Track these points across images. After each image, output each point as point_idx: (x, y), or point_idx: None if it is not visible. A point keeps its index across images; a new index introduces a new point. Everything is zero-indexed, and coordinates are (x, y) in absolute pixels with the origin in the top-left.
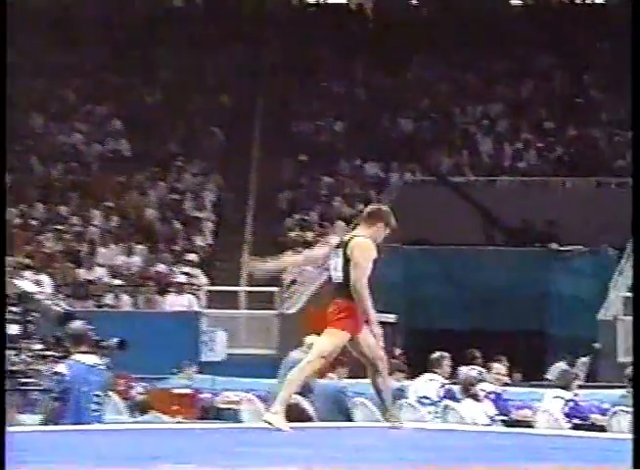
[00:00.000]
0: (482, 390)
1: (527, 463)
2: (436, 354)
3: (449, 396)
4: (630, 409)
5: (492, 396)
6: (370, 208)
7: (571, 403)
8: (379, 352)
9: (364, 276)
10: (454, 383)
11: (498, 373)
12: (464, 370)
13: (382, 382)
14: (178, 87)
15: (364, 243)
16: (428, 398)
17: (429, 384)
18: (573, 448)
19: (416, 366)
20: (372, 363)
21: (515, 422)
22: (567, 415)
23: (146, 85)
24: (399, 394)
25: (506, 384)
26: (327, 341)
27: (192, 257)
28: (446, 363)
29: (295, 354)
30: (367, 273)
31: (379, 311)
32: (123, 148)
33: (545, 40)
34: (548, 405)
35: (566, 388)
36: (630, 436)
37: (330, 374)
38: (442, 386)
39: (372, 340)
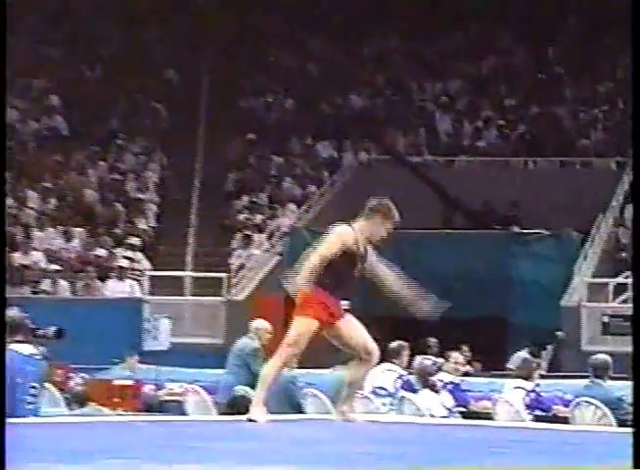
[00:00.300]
0: (440, 380)
1: (486, 457)
2: (395, 344)
3: (407, 387)
4: (594, 401)
5: (450, 386)
6: (370, 201)
7: (533, 394)
8: (366, 343)
9: (319, 253)
10: (411, 373)
11: (456, 362)
12: (418, 359)
13: (359, 375)
14: (120, 61)
15: (339, 228)
16: (384, 388)
17: (385, 374)
18: (534, 441)
19: None
20: (356, 354)
21: (473, 414)
22: (528, 406)
23: (85, 59)
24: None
25: (465, 374)
26: (292, 329)
27: (134, 240)
28: (405, 353)
29: (242, 341)
30: (326, 253)
31: None
32: (61, 125)
33: (507, 13)
34: (508, 396)
35: (527, 378)
36: (626, 430)
37: None
38: (400, 376)
39: (357, 331)
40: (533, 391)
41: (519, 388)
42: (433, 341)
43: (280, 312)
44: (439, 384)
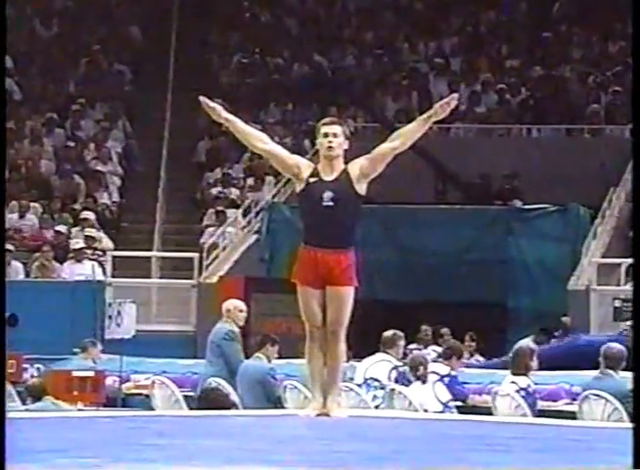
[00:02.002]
0: (435, 372)
1: (483, 455)
2: (390, 333)
3: (403, 379)
4: (604, 394)
5: (446, 379)
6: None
7: (523, 392)
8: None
9: None
10: (405, 364)
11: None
12: (421, 350)
13: (331, 363)
14: (77, 17)
15: None
16: (377, 380)
17: (379, 365)
18: (536, 438)
19: (358, 343)
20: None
21: (472, 408)
22: (525, 400)
23: (40, 14)
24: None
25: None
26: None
27: (95, 217)
28: (401, 343)
29: (216, 327)
30: None
31: None
32: (13, 89)
33: None
34: (509, 389)
35: (523, 371)
36: (617, 425)
37: (257, 354)
38: (395, 367)
39: (340, 301)
40: (525, 389)
41: (513, 383)
42: (425, 328)
43: (239, 294)
44: (434, 376)
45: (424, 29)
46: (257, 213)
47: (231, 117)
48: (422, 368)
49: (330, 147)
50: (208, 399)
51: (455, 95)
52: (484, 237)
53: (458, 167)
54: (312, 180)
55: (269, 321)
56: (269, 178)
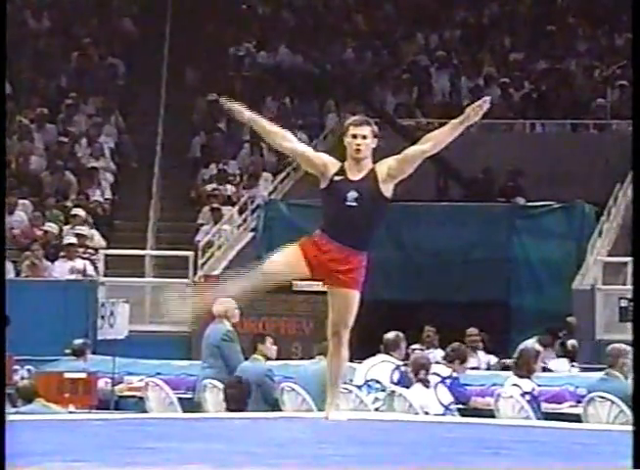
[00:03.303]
0: (436, 374)
1: (484, 459)
2: (392, 335)
3: (404, 380)
4: (610, 396)
5: (448, 381)
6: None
7: (528, 396)
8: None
9: None
10: (406, 365)
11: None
12: (424, 350)
13: (333, 365)
14: (70, 9)
15: None
16: (378, 381)
17: (381, 366)
18: (538, 441)
19: (358, 344)
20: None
21: (474, 411)
22: (530, 404)
23: (30, 6)
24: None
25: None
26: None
27: (86, 214)
28: (403, 345)
29: (211, 328)
30: None
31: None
32: None
33: None
34: (512, 391)
35: (527, 373)
36: (615, 427)
37: (254, 355)
38: (397, 368)
39: (343, 304)
40: (530, 393)
41: (515, 385)
42: (428, 329)
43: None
44: (436, 378)
45: (425, 22)
46: (254, 211)
47: (254, 116)
48: (423, 370)
49: (358, 150)
50: (232, 393)
51: (487, 98)
52: (487, 235)
53: (460, 164)
54: (337, 178)
55: (249, 321)
56: (266, 175)
